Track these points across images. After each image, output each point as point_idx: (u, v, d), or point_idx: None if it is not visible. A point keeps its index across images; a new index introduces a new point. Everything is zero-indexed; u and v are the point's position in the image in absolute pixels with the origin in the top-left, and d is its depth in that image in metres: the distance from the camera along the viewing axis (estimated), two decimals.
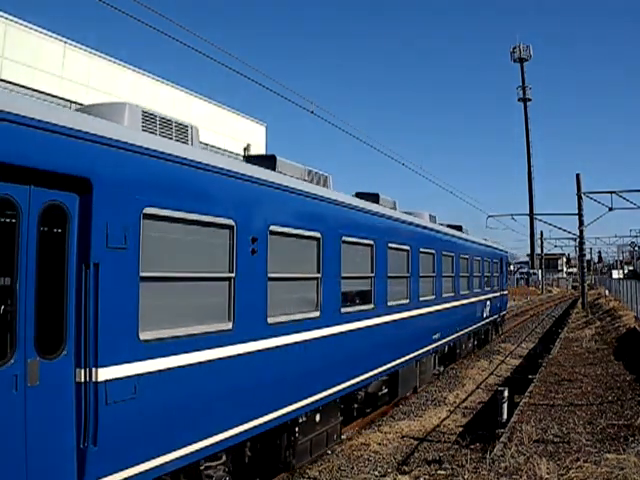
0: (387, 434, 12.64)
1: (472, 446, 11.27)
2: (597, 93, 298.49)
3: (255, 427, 7.99)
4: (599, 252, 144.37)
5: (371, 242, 12.02)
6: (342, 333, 10.52)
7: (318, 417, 10.04)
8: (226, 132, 31.48)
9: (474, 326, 23.08)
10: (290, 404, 8.84)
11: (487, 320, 25.98)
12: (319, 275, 9.81)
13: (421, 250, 15.48)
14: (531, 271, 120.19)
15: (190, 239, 7.18)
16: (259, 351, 8.08)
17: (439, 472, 9.58)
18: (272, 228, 8.43)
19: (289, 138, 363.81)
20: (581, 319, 37.50)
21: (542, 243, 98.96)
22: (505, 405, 12.69)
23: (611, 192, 38.79)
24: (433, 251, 16.84)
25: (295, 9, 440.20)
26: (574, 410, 12.87)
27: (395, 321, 13.25)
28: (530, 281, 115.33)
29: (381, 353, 12.54)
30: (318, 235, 9.76)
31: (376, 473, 10.42)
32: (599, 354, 21.35)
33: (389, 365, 12.94)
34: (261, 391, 8.15)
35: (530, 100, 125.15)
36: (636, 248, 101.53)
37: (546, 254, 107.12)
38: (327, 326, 9.98)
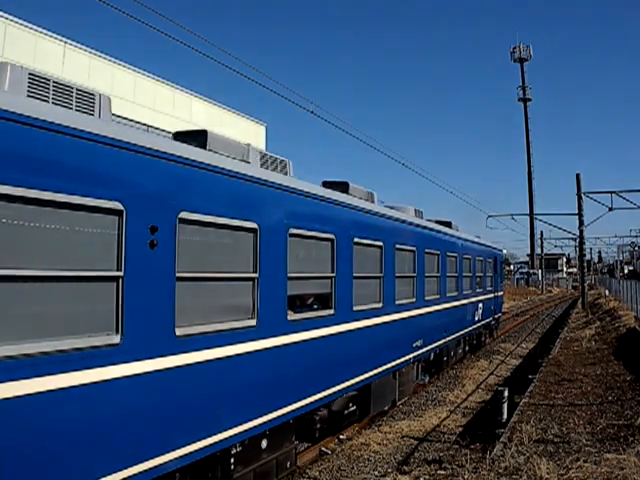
0: (387, 434, 12.64)
1: (472, 446, 11.26)
2: (597, 93, 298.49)
3: (179, 458, 6.65)
4: (599, 252, 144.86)
5: (331, 236, 10.24)
6: (292, 344, 8.89)
7: (265, 443, 8.51)
8: (226, 132, 31.50)
9: (464, 331, 21.25)
10: (221, 431, 7.33)
11: (479, 324, 24.11)
12: (255, 275, 8.05)
13: (398, 247, 13.71)
14: (531, 271, 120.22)
15: (58, 228, 5.58)
16: (165, 370, 6.49)
17: (439, 472, 9.58)
18: (184, 216, 6.79)
19: (289, 138, 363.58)
20: (581, 319, 37.49)
21: (542, 243, 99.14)
22: (505, 405, 12.68)
23: (611, 192, 38.86)
24: (414, 248, 15.06)
25: (295, 9, 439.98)
26: (574, 410, 12.87)
27: (365, 328, 11.59)
28: (530, 281, 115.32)
29: (346, 365, 10.86)
30: (255, 226, 8.03)
31: (376, 473, 10.42)
32: (599, 354, 21.33)
33: (358, 378, 11.29)
34: (177, 417, 6.68)
35: (530, 100, 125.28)
36: (636, 248, 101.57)
37: (546, 254, 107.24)
38: (268, 337, 8.30)
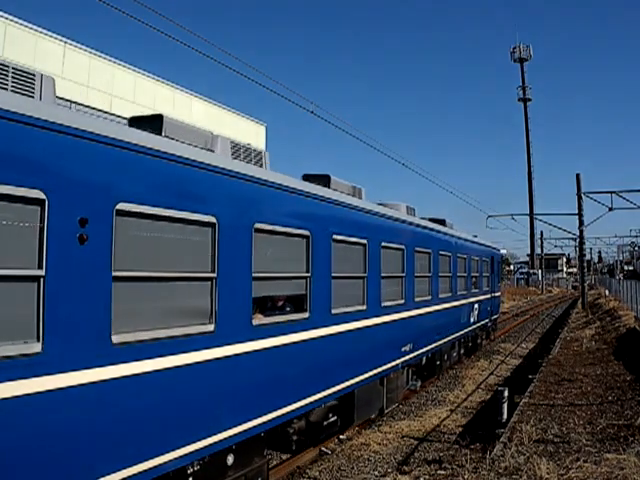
0: (387, 434, 12.64)
1: (472, 446, 11.26)
2: (597, 93, 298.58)
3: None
4: (599, 252, 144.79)
5: (306, 233, 9.39)
6: (257, 351, 8.07)
7: (231, 459, 7.82)
8: (226, 132, 31.51)
9: (458, 333, 20.32)
10: (171, 450, 6.54)
11: (475, 325, 23.21)
12: (214, 275, 7.26)
13: (385, 245, 12.77)
14: (531, 271, 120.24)
15: None
16: (98, 383, 5.66)
17: (439, 472, 9.58)
18: (123, 207, 6.01)
19: (289, 138, 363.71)
20: (581, 319, 37.51)
21: (542, 243, 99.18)
22: (505, 405, 12.68)
23: (611, 192, 38.91)
24: (402, 247, 14.06)
25: (295, 9, 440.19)
26: (574, 410, 12.87)
27: (346, 332, 10.76)
28: (530, 281, 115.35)
29: (324, 373, 10.05)
30: (213, 220, 7.24)
31: (376, 473, 10.42)
32: (599, 354, 21.34)
33: (338, 387, 10.49)
34: (114, 436, 5.88)
35: (530, 100, 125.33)
36: (636, 248, 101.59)
37: (546, 254, 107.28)
38: (229, 343, 7.50)
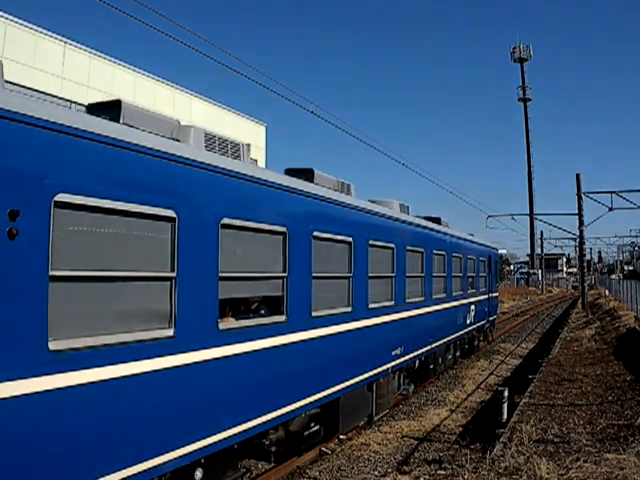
0: (387, 434, 12.63)
1: (472, 446, 11.26)
2: (597, 93, 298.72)
3: None
4: (599, 252, 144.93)
5: (282, 229, 8.73)
6: (224, 358, 7.45)
7: (200, 474, 7.29)
8: (226, 132, 31.55)
9: (454, 335, 19.69)
10: (128, 466, 5.99)
11: (472, 327, 22.64)
12: (173, 274, 6.61)
13: (373, 243, 12.11)
14: (531, 271, 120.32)
15: None
16: (36, 395, 5.10)
17: (439, 472, 9.58)
18: (63, 198, 5.40)
19: (289, 138, 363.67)
20: (581, 319, 37.50)
21: (542, 243, 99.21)
22: (505, 405, 12.67)
23: (611, 192, 38.90)
24: (392, 245, 13.36)
25: (296, 9, 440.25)
26: (574, 410, 12.86)
27: (328, 336, 10.13)
28: (530, 281, 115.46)
29: (303, 380, 9.43)
30: (172, 215, 6.62)
31: (376, 473, 10.41)
32: (599, 354, 21.33)
33: (321, 394, 9.89)
34: (56, 453, 5.32)
35: (530, 100, 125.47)
36: (636, 248, 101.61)
37: (546, 254, 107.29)
38: (191, 349, 6.89)
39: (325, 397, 10.06)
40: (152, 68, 34.24)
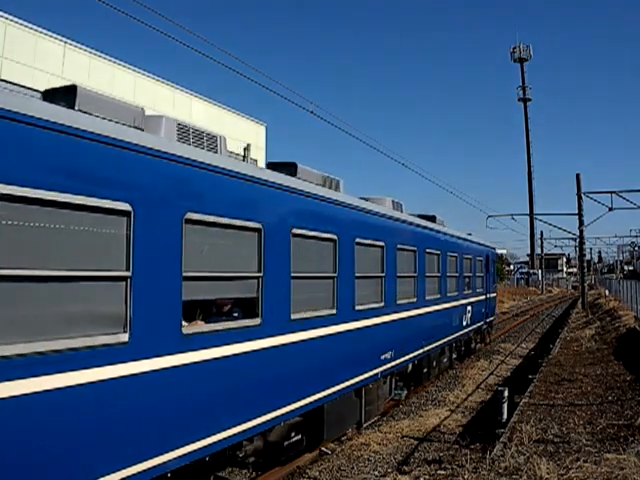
0: (387, 434, 12.63)
1: (472, 446, 11.26)
2: (597, 93, 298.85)
3: None
4: (599, 252, 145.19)
5: (257, 226, 8.10)
6: (187, 365, 6.82)
7: None
8: (226, 132, 31.57)
9: (449, 337, 18.97)
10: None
11: (468, 329, 21.93)
12: (128, 274, 6.06)
13: (360, 242, 11.47)
14: (531, 271, 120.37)
15: None
16: None
17: (439, 472, 9.58)
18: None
19: (289, 138, 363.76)
20: (581, 319, 37.51)
21: (542, 243, 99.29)
22: (505, 405, 12.67)
23: (611, 192, 38.94)
24: (382, 244, 12.70)
25: (295, 8, 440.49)
26: (574, 410, 12.86)
27: (309, 341, 9.51)
28: (530, 281, 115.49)
29: (281, 387, 8.76)
30: (128, 209, 6.09)
31: (376, 473, 10.41)
32: (599, 354, 21.34)
33: (302, 402, 9.30)
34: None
35: (530, 100, 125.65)
36: (636, 248, 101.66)
37: (546, 254, 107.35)
38: (151, 356, 6.31)
39: (307, 405, 9.48)
40: (152, 68, 34.29)
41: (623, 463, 8.74)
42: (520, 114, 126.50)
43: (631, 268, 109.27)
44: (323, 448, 11.36)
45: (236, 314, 8.10)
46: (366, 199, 13.14)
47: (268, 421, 8.41)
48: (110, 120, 6.36)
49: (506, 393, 12.79)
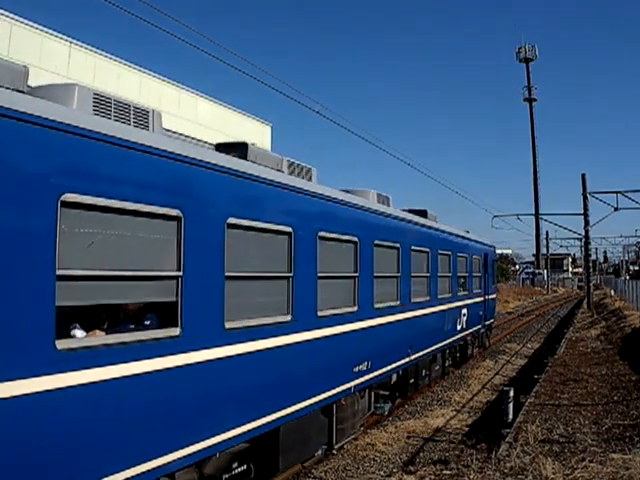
0: (393, 434, 12.63)
1: (478, 446, 11.26)
2: (602, 94, 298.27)
3: None
4: (605, 252, 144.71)
5: (173, 212, 6.54)
6: (73, 387, 5.32)
7: None
8: (232, 132, 31.60)
9: (441, 343, 17.27)
10: None
11: (463, 333, 20.23)
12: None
13: (324, 236, 9.83)
14: (536, 271, 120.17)
15: None
16: None
17: (445, 472, 9.57)
18: None
19: (295, 138, 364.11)
20: (587, 319, 37.47)
21: (547, 243, 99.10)
22: (511, 405, 12.65)
23: (616, 192, 38.90)
24: (354, 239, 10.98)
25: (300, 8, 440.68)
26: (580, 410, 12.84)
27: (251, 354, 7.79)
28: (535, 281, 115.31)
29: (211, 411, 7.13)
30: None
31: (382, 473, 10.41)
32: (604, 354, 21.31)
33: (248, 426, 7.71)
34: None
35: (536, 100, 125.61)
36: None
37: (551, 254, 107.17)
38: (16, 378, 4.91)
39: (255, 429, 7.87)
40: (158, 68, 34.29)
41: (629, 463, 8.72)
42: (525, 114, 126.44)
43: (637, 268, 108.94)
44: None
45: (148, 322, 6.46)
46: (348, 191, 11.95)
47: (203, 450, 6.90)
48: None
49: (512, 393, 12.78)
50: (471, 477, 8.79)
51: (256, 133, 34.27)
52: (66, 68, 22.73)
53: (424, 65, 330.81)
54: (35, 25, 22.02)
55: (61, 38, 23.15)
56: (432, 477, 9.45)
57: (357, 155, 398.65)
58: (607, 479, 8.31)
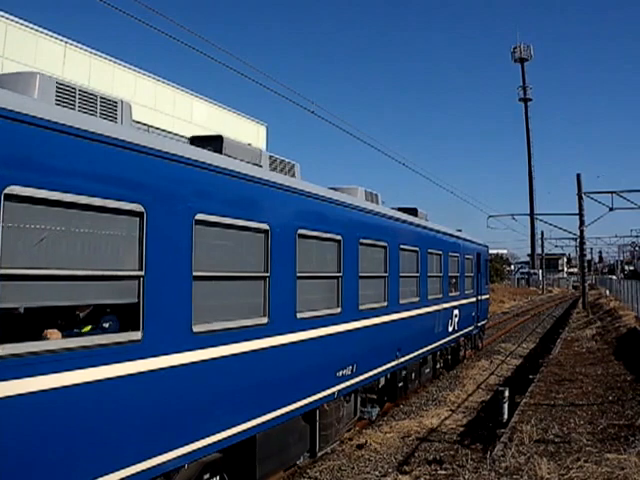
0: (387, 434, 12.64)
1: (473, 446, 11.28)
2: (598, 92, 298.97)
3: None
4: (600, 252, 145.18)
5: (135, 208, 6.11)
6: (15, 397, 4.87)
7: None
8: (227, 132, 31.63)
9: (431, 346, 16.77)
10: None
11: (455, 335, 19.71)
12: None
13: (304, 233, 9.37)
14: (532, 271, 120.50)
15: None
16: None
17: (439, 472, 9.59)
18: None
19: (290, 138, 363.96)
20: (582, 319, 37.55)
21: (543, 243, 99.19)
22: (506, 405, 12.69)
23: (611, 192, 39.00)
24: (337, 237, 10.53)
25: (297, 8, 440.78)
26: (575, 410, 12.86)
27: (223, 358, 7.36)
28: (531, 281, 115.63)
29: (180, 420, 6.68)
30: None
31: (377, 473, 10.41)
32: (600, 354, 21.35)
33: (221, 435, 7.30)
34: None
35: (531, 100, 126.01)
36: (636, 248, 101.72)
37: (547, 254, 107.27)
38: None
39: (227, 438, 7.45)
40: (153, 68, 34.35)
41: (624, 463, 8.74)
42: (520, 114, 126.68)
43: (632, 268, 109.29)
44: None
45: (107, 324, 6.15)
46: (335, 189, 11.64)
47: (171, 461, 6.48)
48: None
49: (507, 393, 12.81)
50: (466, 477, 8.80)
51: (251, 133, 34.29)
52: (61, 68, 22.71)
53: (420, 66, 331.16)
54: (30, 25, 22.00)
55: (56, 38, 23.13)
56: (427, 477, 9.46)
57: (357, 155, 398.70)
58: (602, 479, 8.32)
